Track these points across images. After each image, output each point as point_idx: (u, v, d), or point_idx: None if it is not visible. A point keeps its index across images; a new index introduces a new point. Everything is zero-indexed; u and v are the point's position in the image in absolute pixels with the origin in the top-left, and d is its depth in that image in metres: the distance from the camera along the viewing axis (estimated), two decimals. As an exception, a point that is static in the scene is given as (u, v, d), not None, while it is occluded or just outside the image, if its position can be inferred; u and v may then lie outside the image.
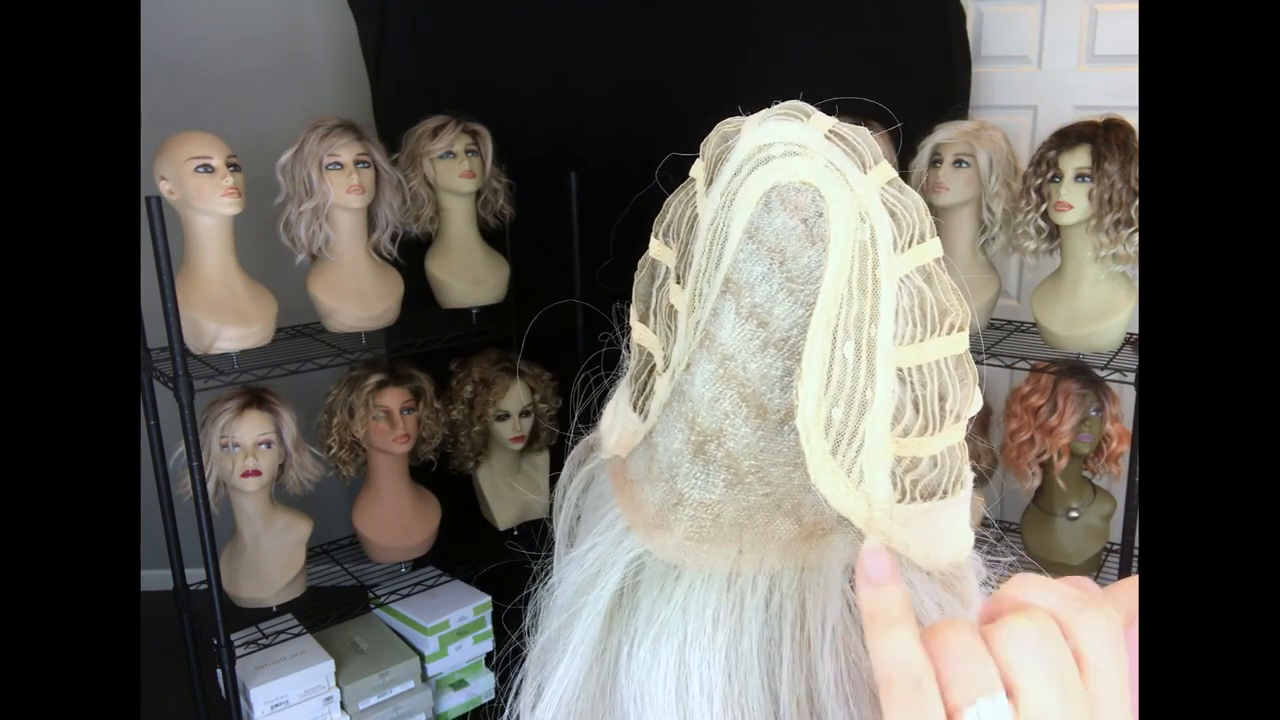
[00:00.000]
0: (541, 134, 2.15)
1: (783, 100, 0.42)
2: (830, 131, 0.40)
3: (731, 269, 0.39)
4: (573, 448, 0.49)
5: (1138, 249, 1.54)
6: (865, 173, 0.40)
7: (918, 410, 0.39)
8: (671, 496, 0.40)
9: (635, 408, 0.44)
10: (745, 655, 0.38)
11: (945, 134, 1.71)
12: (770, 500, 0.39)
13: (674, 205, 0.44)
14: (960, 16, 2.20)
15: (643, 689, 0.39)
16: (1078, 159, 1.56)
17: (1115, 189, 1.52)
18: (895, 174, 0.41)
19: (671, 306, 0.42)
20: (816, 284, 0.38)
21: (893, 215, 0.39)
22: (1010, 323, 1.92)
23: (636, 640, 0.40)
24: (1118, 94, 2.12)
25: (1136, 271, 1.62)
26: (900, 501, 0.39)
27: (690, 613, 0.39)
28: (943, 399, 0.39)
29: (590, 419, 0.48)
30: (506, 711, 0.46)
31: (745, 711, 0.38)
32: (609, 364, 0.48)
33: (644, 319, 0.45)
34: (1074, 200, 1.56)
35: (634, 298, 0.46)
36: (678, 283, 0.42)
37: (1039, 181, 1.60)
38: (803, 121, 0.40)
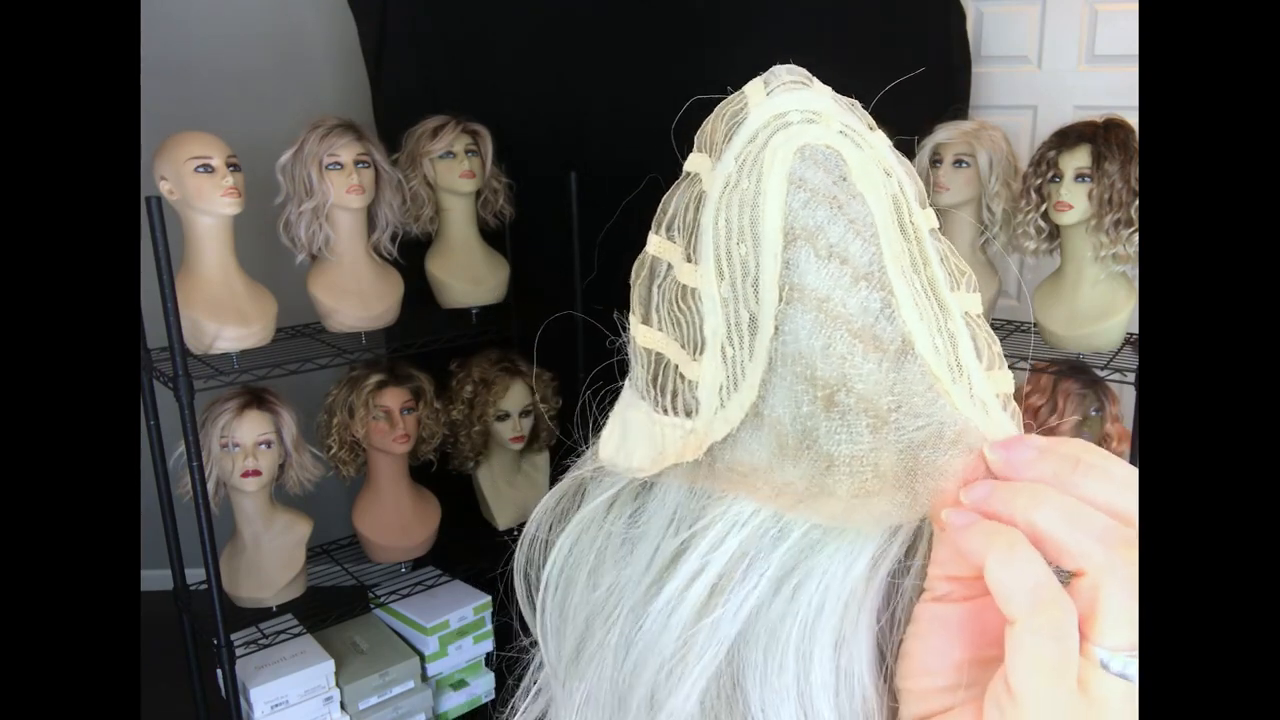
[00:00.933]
0: (541, 134, 2.15)
1: (775, 64, 0.42)
2: (832, 97, 0.41)
3: (791, 219, 0.37)
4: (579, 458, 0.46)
5: (1138, 249, 1.54)
6: (872, 131, 0.41)
7: (986, 350, 0.39)
8: (820, 462, 0.37)
9: (666, 410, 0.41)
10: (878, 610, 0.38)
11: (945, 134, 1.71)
12: (928, 432, 0.37)
13: (675, 200, 0.43)
14: (960, 16, 2.20)
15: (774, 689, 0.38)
16: (1078, 159, 1.56)
17: (1115, 189, 1.52)
18: (889, 142, 0.42)
19: (684, 287, 0.41)
20: (873, 228, 0.38)
21: None
22: (1010, 323, 1.92)
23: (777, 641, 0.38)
24: (1118, 94, 2.12)
25: (1136, 271, 1.62)
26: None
27: (850, 570, 0.38)
28: (992, 343, 0.40)
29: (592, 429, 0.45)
30: None
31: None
32: (609, 378, 0.46)
33: (647, 320, 0.43)
34: (1074, 200, 1.56)
35: (634, 302, 0.44)
36: (688, 261, 0.41)
37: (1039, 181, 1.60)
38: (809, 87, 0.41)
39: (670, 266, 0.42)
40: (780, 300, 0.37)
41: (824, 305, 0.37)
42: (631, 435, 0.42)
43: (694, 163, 0.43)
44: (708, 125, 0.42)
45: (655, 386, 0.42)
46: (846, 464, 0.37)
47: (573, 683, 0.43)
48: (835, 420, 0.37)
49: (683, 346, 0.41)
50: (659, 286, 0.42)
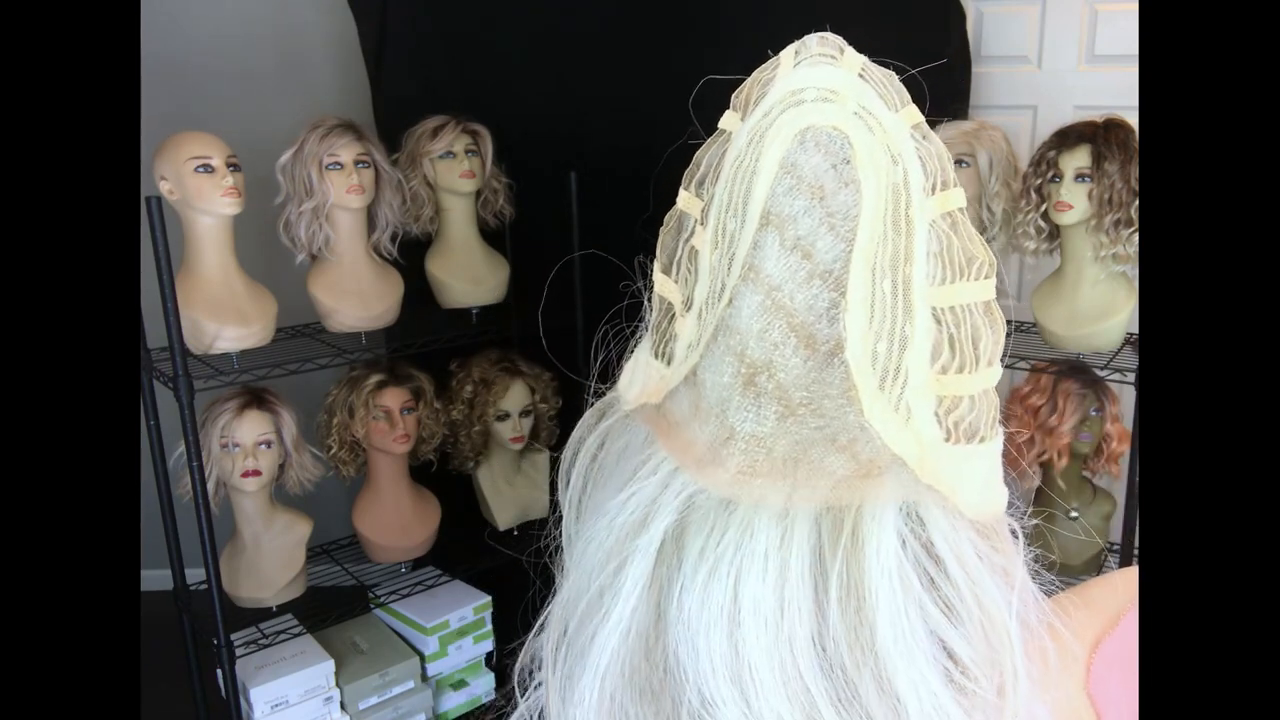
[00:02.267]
0: (541, 134, 2.15)
1: (811, 30, 0.44)
2: (862, 70, 0.42)
3: (771, 202, 0.39)
4: (590, 401, 0.50)
5: (1138, 249, 1.54)
6: (895, 113, 0.41)
7: (954, 350, 0.40)
8: (722, 431, 0.40)
9: (657, 354, 0.44)
10: (795, 589, 0.39)
11: (945, 134, 1.71)
12: (824, 434, 0.39)
13: (706, 158, 0.45)
14: (960, 16, 2.20)
15: (694, 628, 0.39)
16: (1078, 159, 1.56)
17: (1115, 189, 1.52)
18: (922, 118, 0.42)
19: (693, 248, 0.43)
20: (854, 221, 0.39)
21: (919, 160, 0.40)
22: (1010, 323, 1.91)
23: (686, 580, 0.40)
24: (1118, 94, 2.12)
25: (1136, 271, 1.62)
26: (946, 441, 0.40)
27: (742, 548, 0.39)
28: (976, 341, 0.41)
29: (608, 378, 0.49)
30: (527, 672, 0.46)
31: (794, 646, 0.38)
32: (618, 326, 0.49)
33: (666, 270, 0.45)
34: (1074, 200, 1.56)
35: (658, 251, 0.46)
36: (701, 225, 0.43)
37: (1039, 181, 1.60)
38: (835, 61, 0.41)
39: (696, 222, 0.44)
40: (739, 276, 0.39)
41: (773, 293, 0.39)
42: (639, 370, 0.46)
43: (727, 120, 0.44)
44: (745, 87, 0.44)
45: (657, 331, 0.45)
46: (745, 440, 0.40)
47: (576, 544, 0.47)
48: (749, 398, 0.40)
49: (682, 301, 0.43)
50: (684, 241, 0.44)
